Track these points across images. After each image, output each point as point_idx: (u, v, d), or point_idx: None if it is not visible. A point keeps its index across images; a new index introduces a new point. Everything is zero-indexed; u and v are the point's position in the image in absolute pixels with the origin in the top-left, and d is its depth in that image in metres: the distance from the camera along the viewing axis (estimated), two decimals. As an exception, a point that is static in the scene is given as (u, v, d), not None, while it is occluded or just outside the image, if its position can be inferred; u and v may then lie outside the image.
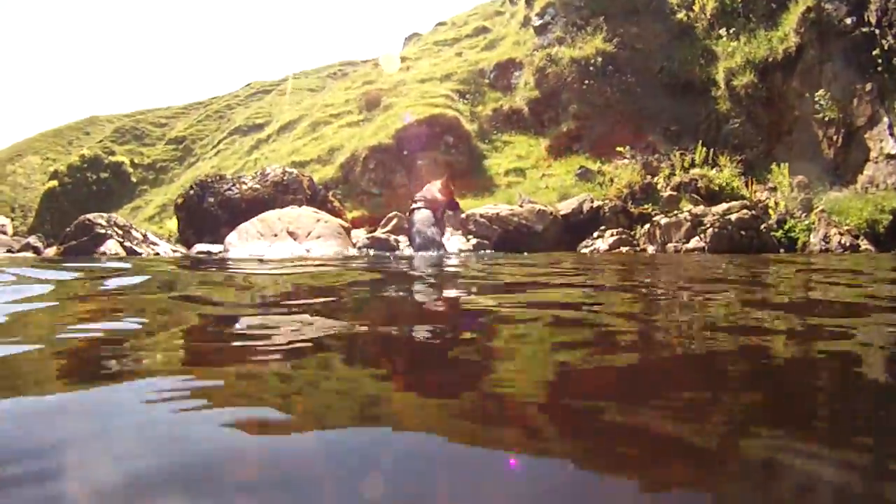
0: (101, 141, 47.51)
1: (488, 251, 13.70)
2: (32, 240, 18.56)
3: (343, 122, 29.31)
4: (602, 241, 14.33)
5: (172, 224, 22.35)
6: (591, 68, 21.99)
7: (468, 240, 14.74)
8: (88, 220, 14.71)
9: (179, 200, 19.16)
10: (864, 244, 12.41)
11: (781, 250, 12.90)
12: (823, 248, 12.70)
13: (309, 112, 33.87)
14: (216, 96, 51.61)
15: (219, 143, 40.79)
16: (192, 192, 18.45)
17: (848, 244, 12.43)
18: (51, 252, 15.34)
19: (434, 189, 13.06)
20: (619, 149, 18.69)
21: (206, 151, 41.55)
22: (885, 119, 14.75)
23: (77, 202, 39.37)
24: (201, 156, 41.60)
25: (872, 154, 14.84)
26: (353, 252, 13.19)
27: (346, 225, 15.43)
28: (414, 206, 12.98)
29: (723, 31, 19.27)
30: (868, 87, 15.27)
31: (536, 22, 25.47)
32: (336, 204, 19.44)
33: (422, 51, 35.12)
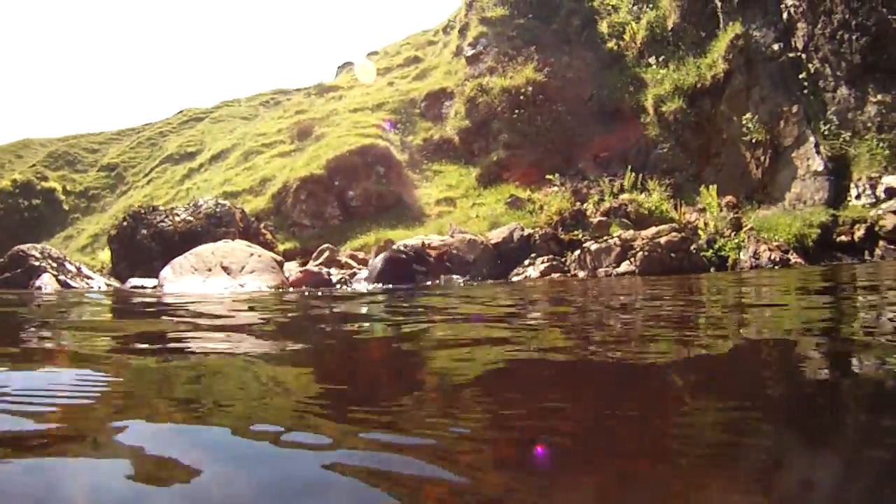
0: (33, 165, 45.38)
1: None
2: (-35, 270, 17.80)
3: (275, 152, 28.71)
4: (533, 269, 14.04)
5: (105, 255, 21.67)
6: (522, 97, 21.78)
7: None
8: (22, 251, 14.41)
9: (113, 232, 18.89)
10: (794, 258, 12.23)
11: (712, 269, 12.68)
12: (754, 264, 12.45)
13: (241, 141, 33.12)
14: (149, 123, 50.05)
15: (151, 171, 39.34)
16: (125, 223, 18.28)
17: (778, 259, 12.21)
18: (-16, 283, 15.08)
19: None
20: (548, 176, 18.49)
21: (138, 179, 40.01)
22: (812, 139, 14.76)
23: (9, 229, 37.87)
24: (133, 184, 40.04)
25: (800, 172, 14.80)
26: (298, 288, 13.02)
27: (279, 259, 15.09)
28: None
29: (652, 60, 19.23)
30: (794, 108, 15.31)
31: (468, 52, 25.27)
32: (268, 236, 19.29)
33: (354, 79, 34.69)
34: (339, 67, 40.38)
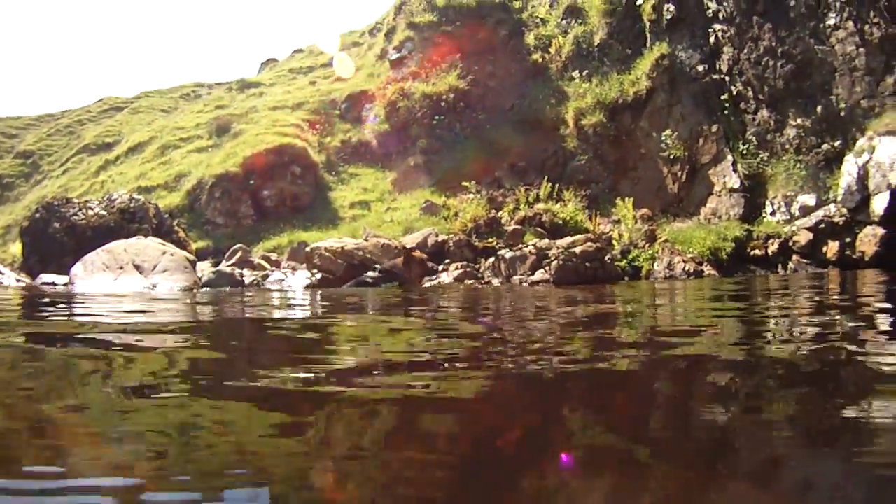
0: (-51, 150, 42.10)
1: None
2: None
3: (192, 147, 27.35)
4: (447, 275, 13.55)
5: (17, 248, 20.39)
6: (443, 104, 21.24)
7: (313, 275, 13.89)
8: (-66, 242, 13.94)
9: (25, 224, 18.17)
10: (707, 270, 12.07)
11: (626, 278, 12.41)
12: (668, 275, 12.20)
13: (159, 134, 31.42)
14: (68, 109, 47.16)
15: (67, 160, 36.77)
16: (37, 215, 17.56)
17: (692, 270, 11.99)
18: None
19: None
20: (465, 183, 17.86)
21: (53, 169, 37.37)
22: (729, 157, 14.83)
23: (-84, 218, 34.67)
24: (49, 173, 37.38)
25: (716, 188, 14.88)
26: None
27: (192, 258, 14.68)
28: None
29: (576, 74, 19.01)
30: (714, 128, 15.37)
31: (393, 55, 24.54)
32: (182, 234, 18.56)
33: (277, 77, 33.64)
34: (262, 64, 39.24)
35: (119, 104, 44.53)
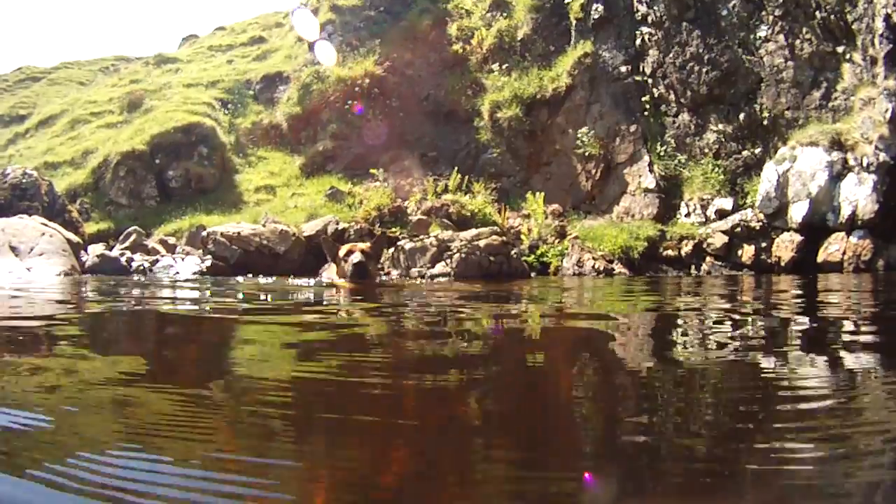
0: None
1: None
2: None
3: (102, 122, 25.11)
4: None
5: None
6: (357, 89, 19.74)
7: (203, 261, 12.57)
8: None
9: None
10: (618, 268, 11.11)
11: (533, 274, 11.31)
12: (577, 272, 11.23)
13: (71, 107, 28.91)
14: None
15: (-22, 132, 33.84)
16: None
17: (602, 268, 11.01)
18: None
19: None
20: (372, 171, 16.62)
21: None
22: (646, 157, 14.05)
23: None
24: None
25: (630, 188, 14.04)
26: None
27: (75, 240, 13.23)
28: None
29: (496, 66, 17.82)
30: (633, 128, 14.57)
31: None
32: (75, 215, 16.97)
33: (195, 53, 31.51)
34: (183, 39, 37.02)
35: (37, 74, 41.34)
